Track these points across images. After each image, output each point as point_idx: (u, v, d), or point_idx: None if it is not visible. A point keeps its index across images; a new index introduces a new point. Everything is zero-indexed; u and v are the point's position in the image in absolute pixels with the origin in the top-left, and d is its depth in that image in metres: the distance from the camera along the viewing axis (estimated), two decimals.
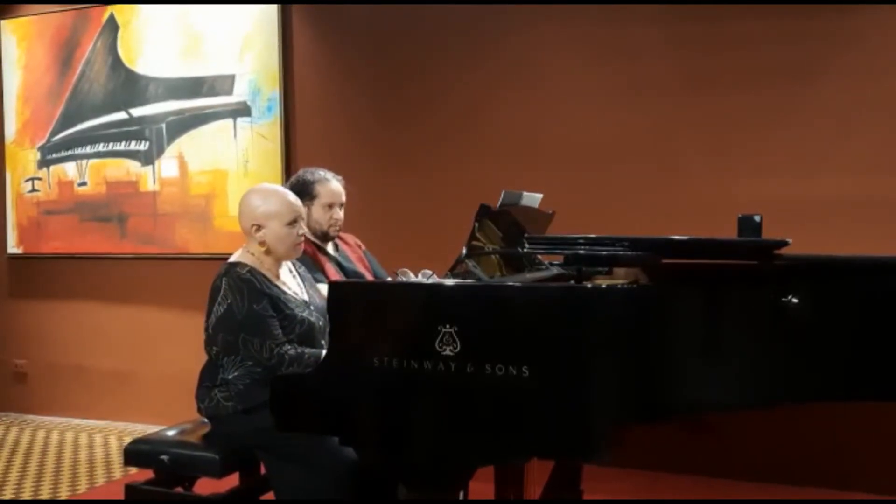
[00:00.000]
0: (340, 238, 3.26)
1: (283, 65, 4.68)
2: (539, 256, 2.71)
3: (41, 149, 5.34)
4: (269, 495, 2.67)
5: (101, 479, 4.10)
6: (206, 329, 2.60)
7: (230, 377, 2.55)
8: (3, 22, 5.42)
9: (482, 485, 2.55)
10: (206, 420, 2.71)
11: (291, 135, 4.71)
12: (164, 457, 2.61)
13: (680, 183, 3.90)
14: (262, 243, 2.61)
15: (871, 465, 3.60)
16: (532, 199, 2.68)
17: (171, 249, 5.00)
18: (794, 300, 1.97)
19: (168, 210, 5.00)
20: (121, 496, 2.67)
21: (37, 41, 5.33)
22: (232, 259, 2.63)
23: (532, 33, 4.17)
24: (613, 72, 4.03)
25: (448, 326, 1.96)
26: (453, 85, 4.34)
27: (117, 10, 5.08)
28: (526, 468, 2.65)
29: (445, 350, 1.96)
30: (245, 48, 4.75)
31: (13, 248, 5.47)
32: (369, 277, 3.20)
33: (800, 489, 3.60)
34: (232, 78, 4.79)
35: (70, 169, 5.26)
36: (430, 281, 2.47)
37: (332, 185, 3.13)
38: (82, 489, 3.97)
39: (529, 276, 2.56)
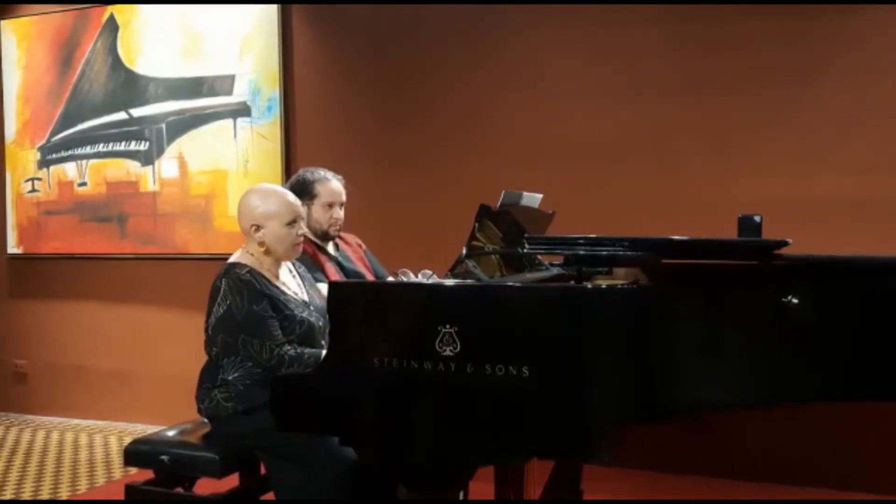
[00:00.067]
0: (341, 238, 3.26)
1: (283, 65, 4.68)
2: (539, 257, 2.71)
3: (41, 149, 5.34)
4: (270, 495, 2.67)
5: (101, 480, 4.10)
6: (206, 330, 2.60)
7: (230, 378, 2.55)
8: (3, 22, 5.42)
9: (482, 485, 2.55)
10: (206, 420, 2.71)
11: (291, 135, 4.71)
12: (164, 457, 2.61)
13: (680, 183, 3.90)
14: (261, 243, 2.61)
15: (871, 465, 3.60)
16: (532, 199, 2.68)
17: (171, 249, 5.00)
18: (794, 300, 1.97)
19: (168, 210, 5.00)
20: (121, 496, 2.67)
21: (37, 41, 5.33)
22: (231, 259, 2.63)
23: (532, 33, 4.17)
24: (613, 72, 4.03)
25: (448, 326, 1.96)
26: (453, 85, 4.34)
27: (117, 11, 5.08)
28: (526, 468, 2.65)
29: (445, 350, 1.96)
30: (245, 48, 4.75)
31: (13, 248, 5.47)
32: (370, 277, 3.20)
33: (800, 489, 3.60)
34: (232, 78, 4.79)
35: (70, 169, 5.26)
36: (430, 281, 2.47)
37: (333, 184, 3.13)
38: (82, 489, 3.97)
39: (529, 276, 2.56)
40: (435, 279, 2.56)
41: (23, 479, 4.12)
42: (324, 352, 2.45)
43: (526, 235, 2.33)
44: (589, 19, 4.05)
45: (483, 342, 1.95)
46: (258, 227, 2.60)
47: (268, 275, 2.60)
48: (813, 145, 3.70)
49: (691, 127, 3.89)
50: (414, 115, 4.44)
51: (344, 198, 3.16)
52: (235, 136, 4.80)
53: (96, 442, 4.80)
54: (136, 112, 5.05)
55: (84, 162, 5.22)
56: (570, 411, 1.89)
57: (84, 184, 5.23)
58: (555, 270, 2.65)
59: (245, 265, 2.57)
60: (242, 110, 4.78)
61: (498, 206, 2.39)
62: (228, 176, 4.82)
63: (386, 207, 4.37)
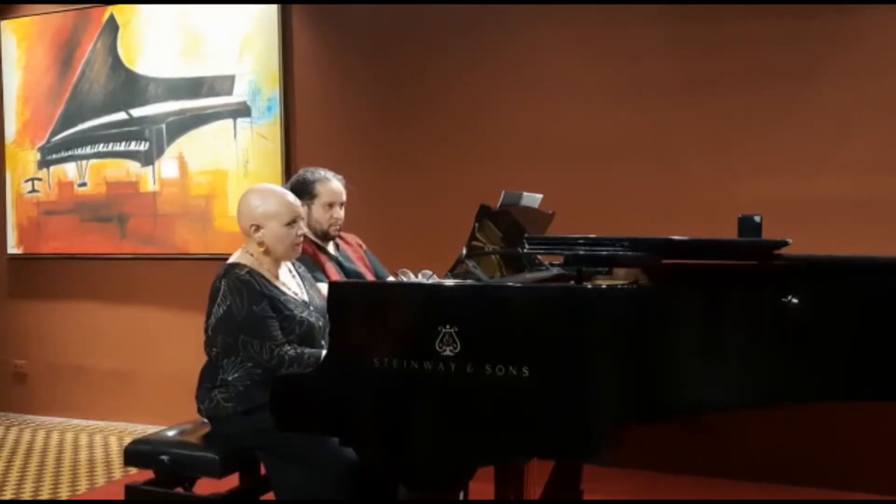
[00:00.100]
0: (341, 238, 3.26)
1: (283, 65, 4.68)
2: (539, 257, 2.71)
3: (41, 149, 5.34)
4: (270, 495, 2.67)
5: (101, 480, 4.10)
6: (206, 330, 2.60)
7: (230, 378, 2.55)
8: (3, 22, 5.42)
9: (482, 485, 2.55)
10: (206, 420, 2.71)
11: (291, 135, 4.71)
12: (164, 457, 2.61)
13: (680, 183, 3.90)
14: (260, 244, 2.61)
15: (871, 465, 3.60)
16: (532, 199, 2.68)
17: (171, 250, 5.00)
18: (794, 300, 1.97)
19: (168, 210, 5.00)
20: (121, 496, 2.67)
21: (37, 41, 5.33)
22: (231, 260, 2.63)
23: (532, 33, 4.17)
24: (613, 72, 4.03)
25: (448, 327, 1.96)
26: (453, 85, 4.34)
27: (117, 11, 5.08)
28: (526, 468, 2.65)
29: (445, 350, 1.96)
30: (245, 48, 4.75)
31: (13, 248, 5.47)
32: (370, 277, 3.20)
33: (800, 489, 3.60)
34: (232, 78, 4.79)
35: (70, 169, 5.26)
36: (431, 281, 2.47)
37: (333, 184, 3.13)
38: (82, 489, 3.97)
39: (529, 276, 2.56)
40: (435, 279, 2.56)
41: (23, 480, 4.13)
42: (324, 352, 2.45)
43: (526, 235, 2.33)
44: (589, 19, 4.05)
45: (483, 342, 1.95)
46: (258, 227, 2.60)
47: (267, 275, 2.60)
48: (813, 145, 3.70)
49: (691, 127, 3.89)
50: (414, 115, 4.44)
51: (344, 198, 3.16)
52: (235, 136, 4.80)
53: (96, 442, 4.80)
54: (136, 112, 5.05)
55: (84, 162, 5.22)
56: (570, 411, 1.90)
57: (84, 184, 5.23)
58: (555, 270, 2.65)
59: (245, 265, 2.57)
60: (242, 110, 4.78)
61: (498, 206, 2.39)
62: (228, 176, 4.82)
63: (386, 207, 4.37)
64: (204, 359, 2.67)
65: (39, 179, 5.36)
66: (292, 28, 4.68)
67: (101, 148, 5.17)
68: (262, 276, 2.57)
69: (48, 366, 5.39)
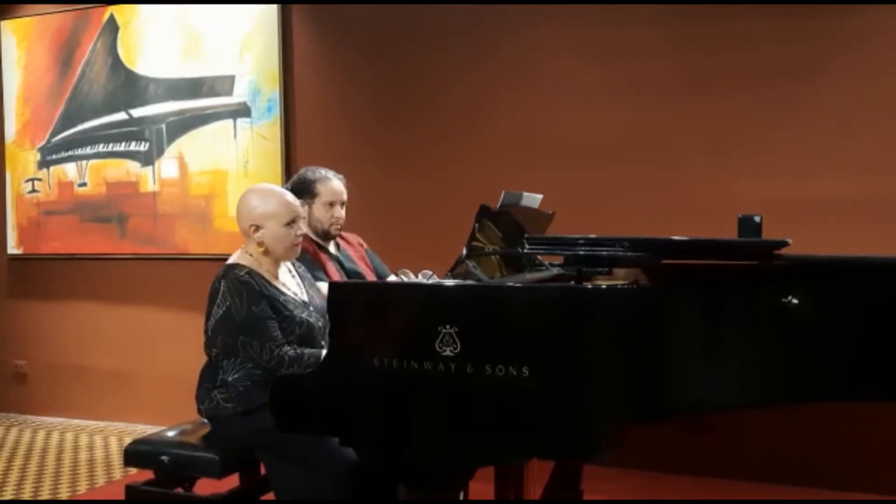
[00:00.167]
0: (342, 237, 3.26)
1: (283, 65, 4.68)
2: (539, 257, 2.71)
3: (41, 149, 5.34)
4: (270, 496, 2.67)
5: (101, 480, 4.10)
6: (206, 331, 2.60)
7: (230, 379, 2.55)
8: (3, 22, 5.42)
9: (482, 485, 2.55)
10: (206, 421, 2.71)
11: (291, 135, 4.71)
12: (164, 457, 2.61)
13: (680, 183, 3.90)
14: (260, 244, 2.61)
15: (871, 465, 3.60)
16: (532, 199, 2.68)
17: (171, 250, 5.00)
18: (794, 300, 1.97)
19: (168, 210, 5.00)
20: (121, 497, 2.67)
21: (37, 41, 5.33)
22: (230, 260, 2.62)
23: (532, 33, 4.17)
24: (613, 72, 4.03)
25: (448, 327, 1.96)
26: (453, 85, 4.34)
27: (117, 11, 5.08)
28: (526, 468, 2.65)
29: (445, 350, 1.96)
30: (245, 48, 4.75)
31: (13, 248, 5.47)
32: (371, 277, 3.20)
33: (800, 489, 3.60)
34: (232, 78, 4.79)
35: (70, 169, 5.26)
36: (431, 281, 2.47)
37: (334, 183, 3.13)
38: (82, 490, 3.97)
39: (529, 276, 2.56)
40: (435, 279, 2.56)
41: (23, 480, 4.13)
42: (324, 352, 2.45)
43: (526, 236, 2.33)
44: (589, 19, 4.05)
45: (483, 342, 1.95)
46: (257, 228, 2.60)
47: (267, 275, 2.60)
48: (813, 145, 3.70)
49: (691, 127, 3.89)
50: (414, 115, 4.44)
51: (345, 197, 3.16)
52: (235, 136, 4.80)
53: (96, 442, 4.80)
54: (136, 112, 5.05)
55: (84, 162, 5.22)
56: (570, 411, 1.90)
57: (84, 184, 5.23)
58: (555, 270, 2.65)
59: (244, 266, 2.57)
60: (242, 111, 4.78)
61: (498, 206, 2.39)
62: (228, 176, 4.82)
63: (386, 207, 4.37)
64: (204, 359, 2.67)
65: (39, 179, 5.36)
66: (292, 28, 4.68)
67: (101, 148, 5.17)
68: (262, 277, 2.57)
69: (48, 366, 5.39)
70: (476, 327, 1.96)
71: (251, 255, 2.62)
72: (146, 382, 5.07)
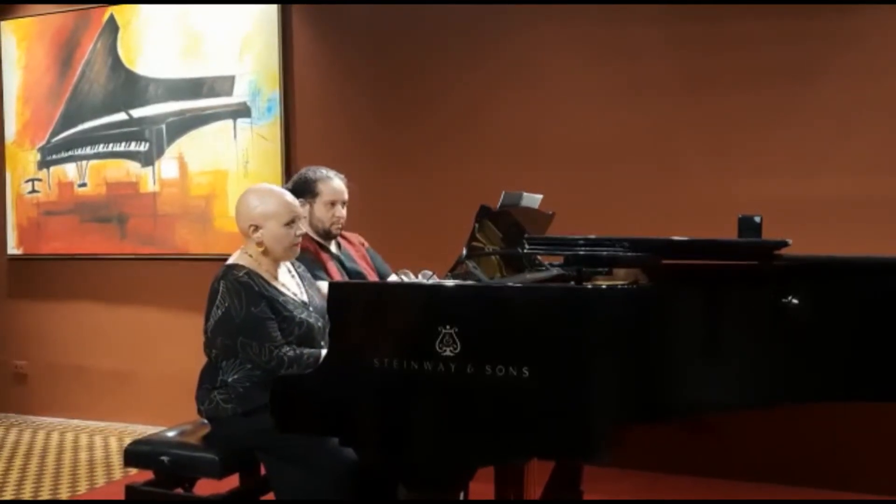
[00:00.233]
0: (343, 237, 3.26)
1: (283, 65, 4.68)
2: (539, 257, 2.71)
3: (41, 150, 5.34)
4: (270, 496, 2.67)
5: (101, 480, 4.10)
6: (205, 332, 2.59)
7: (230, 380, 2.55)
8: (3, 23, 5.42)
9: (482, 485, 2.55)
10: (206, 421, 2.71)
11: (291, 135, 4.71)
12: (164, 458, 2.61)
13: (680, 183, 3.90)
14: (259, 244, 2.60)
15: (871, 465, 3.59)
16: (532, 199, 2.68)
17: (171, 250, 5.00)
18: (794, 300, 1.97)
19: (168, 211, 5.00)
20: (121, 497, 2.67)
21: (37, 42, 5.33)
22: (230, 261, 2.62)
23: (532, 33, 4.17)
24: (613, 72, 4.03)
25: (448, 327, 1.96)
26: (453, 85, 4.34)
27: (117, 11, 5.08)
28: (526, 468, 2.65)
29: (446, 351, 1.96)
30: (245, 48, 4.75)
31: (13, 248, 5.47)
32: (373, 277, 3.20)
33: (800, 489, 3.60)
34: (232, 79, 4.79)
35: (70, 170, 5.26)
36: (431, 282, 2.47)
37: (335, 182, 3.13)
38: (82, 490, 3.97)
39: (529, 276, 2.56)
40: (435, 280, 2.56)
41: (23, 480, 4.13)
42: (323, 352, 2.45)
43: (526, 236, 2.33)
44: (589, 19, 4.05)
45: (483, 343, 1.95)
46: (256, 228, 2.60)
47: (266, 276, 2.60)
48: (813, 145, 3.70)
49: (691, 127, 3.89)
50: (414, 115, 4.44)
51: (346, 196, 3.16)
52: (235, 136, 4.80)
53: (96, 442, 4.80)
54: (137, 113, 5.05)
55: (84, 163, 5.22)
56: (570, 412, 1.90)
57: (84, 184, 5.23)
58: (555, 271, 2.65)
59: (243, 267, 2.57)
60: (242, 111, 4.78)
61: (498, 206, 2.39)
62: (228, 176, 4.82)
63: (386, 207, 4.37)
64: (204, 359, 2.67)
65: (39, 180, 5.36)
66: (292, 28, 4.68)
67: (101, 148, 5.17)
68: (261, 277, 2.57)
69: (48, 366, 5.39)
70: (476, 327, 1.96)
71: (250, 255, 2.62)
72: (146, 383, 5.07)
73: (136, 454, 2.70)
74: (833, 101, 3.66)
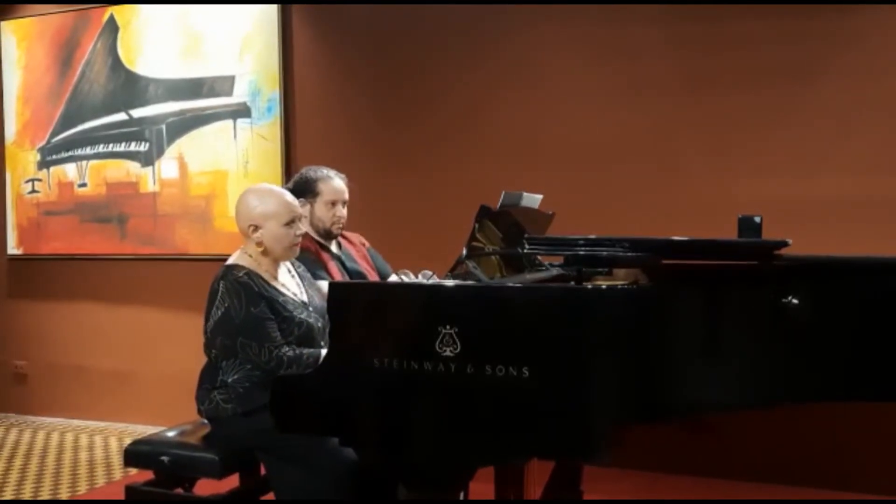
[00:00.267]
0: (344, 237, 3.26)
1: (283, 65, 4.68)
2: (539, 257, 2.71)
3: (41, 150, 5.34)
4: (270, 496, 2.67)
5: (101, 480, 4.10)
6: (205, 332, 2.59)
7: (229, 380, 2.55)
8: (3, 23, 5.42)
9: (482, 485, 2.55)
10: (206, 421, 2.71)
11: (291, 135, 4.71)
12: (164, 458, 2.61)
13: (680, 183, 3.90)
14: (259, 244, 2.60)
15: (871, 465, 3.59)
16: (532, 199, 2.68)
17: (171, 250, 5.00)
18: (794, 300, 1.97)
19: (168, 211, 5.00)
20: (121, 497, 2.67)
21: (37, 42, 5.33)
22: (229, 261, 2.62)
23: (532, 33, 4.17)
24: (613, 72, 4.03)
25: (448, 327, 1.96)
26: (453, 85, 4.34)
27: (117, 11, 5.08)
28: (526, 468, 2.65)
29: (446, 351, 1.96)
30: (245, 48, 4.75)
31: (13, 248, 5.47)
32: (373, 276, 3.20)
33: (800, 489, 3.60)
34: (232, 79, 4.79)
35: (70, 170, 5.26)
36: (431, 282, 2.47)
37: (335, 182, 3.13)
38: (82, 490, 3.97)
39: (530, 276, 2.56)
40: (435, 280, 2.56)
41: (23, 480, 4.13)
42: (323, 351, 2.45)
43: (526, 236, 2.33)
44: (589, 19, 4.05)
45: (483, 343, 1.95)
46: (256, 228, 2.60)
47: (266, 276, 2.60)
48: (813, 145, 3.70)
49: (691, 127, 3.89)
50: (414, 115, 4.44)
51: (347, 196, 3.16)
52: (235, 136, 4.80)
53: (96, 443, 4.80)
54: (137, 113, 5.05)
55: (84, 163, 5.22)
56: (570, 412, 1.90)
57: (84, 185, 5.23)
58: (555, 271, 2.65)
59: (243, 267, 2.57)
60: (242, 111, 4.77)
61: (498, 206, 2.39)
62: (228, 177, 4.82)
63: (386, 207, 4.37)
64: (204, 359, 2.67)
65: (39, 180, 5.36)
66: (292, 28, 4.68)
67: (101, 148, 5.17)
68: (261, 278, 2.57)
69: (48, 366, 5.39)
70: (476, 328, 1.96)
71: (250, 255, 2.62)
72: (146, 383, 5.07)
73: (136, 454, 2.70)
74: (833, 101, 3.66)
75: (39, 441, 4.86)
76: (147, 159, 5.04)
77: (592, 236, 2.11)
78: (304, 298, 2.69)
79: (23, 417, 5.41)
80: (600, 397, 1.90)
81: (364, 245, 3.35)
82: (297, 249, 2.69)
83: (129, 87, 5.06)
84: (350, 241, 3.29)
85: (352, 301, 2.13)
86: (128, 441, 3.04)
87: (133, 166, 5.08)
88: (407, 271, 2.98)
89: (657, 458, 3.78)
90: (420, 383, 1.99)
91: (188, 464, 2.60)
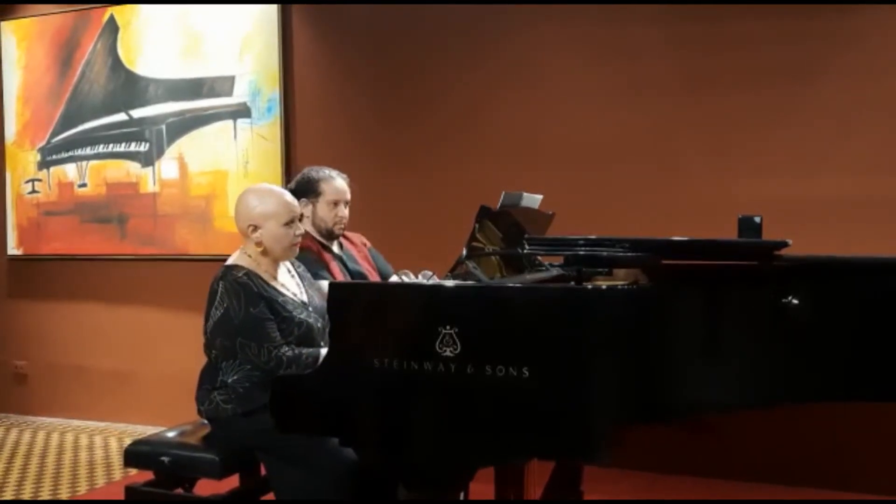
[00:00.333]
0: (345, 237, 3.26)
1: (283, 65, 4.68)
2: (539, 257, 2.71)
3: (41, 150, 5.34)
4: (270, 496, 2.67)
5: (101, 481, 4.10)
6: (205, 332, 2.59)
7: (229, 380, 2.55)
8: (3, 23, 5.42)
9: (482, 485, 2.55)
10: (206, 421, 2.70)
11: (291, 135, 4.71)
12: (164, 458, 2.61)
13: (680, 183, 3.90)
14: (258, 244, 2.60)
15: (871, 465, 3.59)
16: (532, 199, 2.68)
17: (171, 250, 5.00)
18: (794, 301, 1.97)
19: (168, 211, 5.00)
20: (121, 497, 2.67)
21: (37, 42, 5.33)
22: (229, 261, 2.62)
23: (532, 33, 4.17)
24: (613, 72, 4.03)
25: (448, 328, 1.96)
26: (453, 85, 4.34)
27: (117, 11, 5.08)
28: (526, 469, 2.64)
29: (446, 351, 1.96)
30: (245, 49, 4.75)
31: (13, 249, 5.47)
32: (375, 277, 3.20)
33: (800, 489, 3.60)
34: (232, 79, 4.79)
35: (70, 170, 5.26)
36: (431, 282, 2.47)
37: (337, 182, 3.13)
38: (82, 490, 3.97)
39: (530, 277, 2.56)
40: (435, 280, 2.56)
41: (23, 481, 4.12)
42: (322, 351, 2.45)
43: (526, 236, 2.33)
44: (589, 19, 4.05)
45: (483, 343, 1.95)
46: (255, 228, 2.59)
47: (265, 276, 2.60)
48: (813, 145, 3.70)
49: (691, 127, 3.89)
50: (414, 115, 4.44)
51: (349, 196, 3.16)
52: (235, 136, 4.79)
53: (96, 443, 4.80)
54: (137, 113, 5.05)
55: (84, 163, 5.22)
56: (570, 412, 1.90)
57: (84, 185, 5.23)
58: (555, 271, 2.65)
59: (242, 267, 2.57)
60: (242, 111, 4.77)
61: (498, 206, 2.39)
62: (228, 177, 4.82)
63: (386, 207, 4.37)
64: (204, 359, 2.67)
65: (39, 180, 5.36)
66: (292, 28, 4.68)
67: (101, 149, 5.17)
68: (260, 278, 2.57)
69: (48, 366, 5.39)
70: (476, 328, 1.96)
71: (250, 255, 2.62)
72: (146, 383, 5.07)
73: (136, 454, 2.70)
74: (833, 101, 3.66)
75: (39, 441, 4.86)
76: (147, 159, 5.04)
77: (592, 236, 2.11)
78: (304, 298, 2.69)
79: (23, 417, 5.41)
80: (600, 397, 1.90)
81: (365, 245, 3.36)
82: (297, 249, 2.69)
83: (129, 88, 5.06)
84: (351, 242, 3.29)
85: (352, 301, 2.13)
86: (128, 441, 3.04)
87: (133, 166, 5.08)
88: (407, 271, 2.98)
89: (657, 458, 3.77)
90: (420, 383, 1.99)
91: (188, 464, 2.60)
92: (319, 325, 2.62)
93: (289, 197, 2.66)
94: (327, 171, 3.15)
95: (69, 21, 5.21)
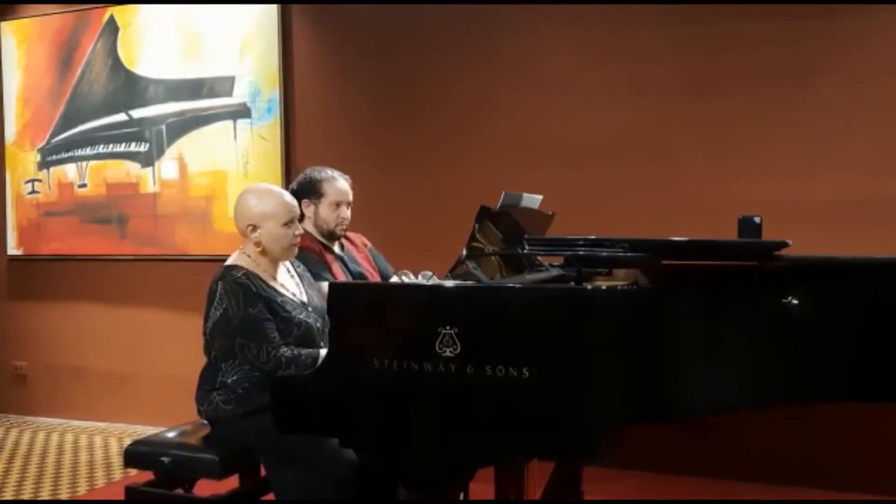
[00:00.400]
0: (347, 238, 3.26)
1: (283, 65, 4.68)
2: (539, 257, 2.71)
3: (41, 150, 5.34)
4: (270, 497, 2.67)
5: (100, 481, 4.10)
6: (204, 333, 2.59)
7: (229, 381, 2.55)
8: (3, 23, 5.42)
9: (482, 485, 2.54)
10: (205, 422, 2.70)
11: (291, 136, 4.71)
12: (164, 458, 2.61)
13: (680, 183, 3.90)
14: (257, 244, 2.60)
15: (871, 465, 3.59)
16: (532, 200, 2.68)
17: (171, 251, 5.00)
18: (794, 301, 1.97)
19: (168, 211, 5.00)
20: (121, 497, 2.67)
21: (37, 42, 5.33)
22: (228, 262, 2.62)
23: (532, 33, 4.16)
24: (613, 72, 4.03)
25: (448, 328, 1.96)
26: (453, 85, 4.34)
27: (117, 12, 5.08)
28: (526, 469, 2.64)
29: (446, 351, 1.96)
30: (245, 49, 4.75)
31: (13, 249, 5.47)
32: (375, 277, 3.20)
33: (800, 489, 3.60)
34: (232, 79, 4.79)
35: (70, 170, 5.26)
36: (431, 282, 2.47)
37: (339, 183, 3.13)
38: (82, 491, 3.97)
39: (529, 277, 2.56)
40: (435, 280, 2.56)
41: (23, 481, 4.12)
42: (322, 351, 2.45)
43: (526, 236, 2.33)
44: (589, 19, 4.04)
45: (483, 343, 1.95)
46: (254, 228, 2.59)
47: (265, 276, 2.60)
48: (813, 145, 3.69)
49: (691, 127, 3.89)
50: (414, 115, 4.44)
51: (351, 197, 3.16)
52: (235, 137, 4.79)
53: (96, 443, 4.80)
54: (136, 113, 5.05)
55: (84, 163, 5.22)
56: (570, 412, 1.90)
57: (84, 185, 5.23)
58: (555, 271, 2.65)
59: (241, 267, 2.56)
60: (242, 111, 4.77)
61: (498, 207, 2.39)
62: (228, 177, 4.82)
63: (386, 207, 4.36)
64: (203, 360, 2.67)
65: (39, 181, 5.36)
66: (292, 28, 4.68)
67: (101, 149, 5.17)
68: (259, 278, 2.57)
69: (48, 367, 5.39)
70: (476, 328, 1.96)
71: (249, 255, 2.62)
72: (146, 383, 5.07)
73: (136, 455, 2.70)
74: (833, 101, 3.66)
75: (39, 442, 4.86)
76: (147, 160, 5.04)
77: (592, 236, 2.11)
78: (304, 298, 2.69)
79: (23, 418, 5.41)
80: (600, 398, 1.90)
81: (366, 245, 3.36)
82: (296, 249, 2.69)
83: (129, 88, 5.06)
84: (352, 242, 3.29)
85: (352, 301, 2.13)
86: (128, 442, 3.04)
87: (133, 167, 5.08)
88: (407, 272, 2.98)
89: (657, 458, 3.77)
90: (420, 384, 1.99)
91: (188, 464, 2.60)
92: (319, 325, 2.62)
93: (288, 197, 2.66)
94: (329, 172, 3.15)
95: (69, 21, 5.21)
